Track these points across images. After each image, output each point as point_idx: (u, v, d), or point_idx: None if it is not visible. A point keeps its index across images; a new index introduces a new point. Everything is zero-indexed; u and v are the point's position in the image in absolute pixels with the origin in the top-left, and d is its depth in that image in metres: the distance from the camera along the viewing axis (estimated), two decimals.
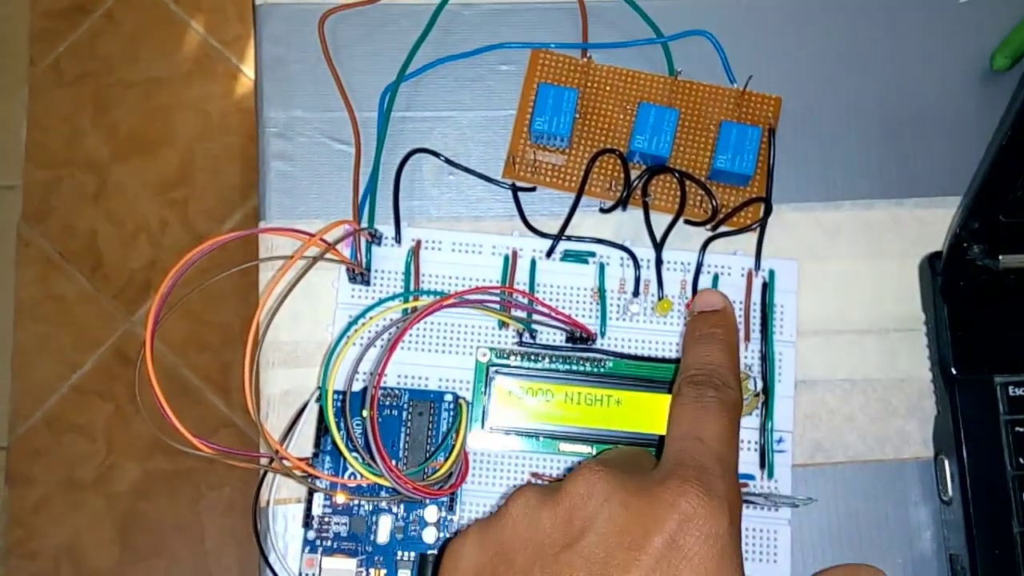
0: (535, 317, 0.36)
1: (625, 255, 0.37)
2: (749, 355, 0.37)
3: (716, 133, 0.38)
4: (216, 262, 0.31)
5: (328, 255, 0.34)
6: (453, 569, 0.27)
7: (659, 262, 0.37)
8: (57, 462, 1.05)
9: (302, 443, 0.35)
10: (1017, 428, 0.35)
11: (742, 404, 0.30)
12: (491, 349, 0.36)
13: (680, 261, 0.37)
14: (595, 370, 0.36)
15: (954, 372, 0.36)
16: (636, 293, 0.37)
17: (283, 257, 0.36)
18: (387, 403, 0.35)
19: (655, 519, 0.25)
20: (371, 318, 0.36)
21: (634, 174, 0.38)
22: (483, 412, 0.36)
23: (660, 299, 0.37)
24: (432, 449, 0.35)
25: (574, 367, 0.36)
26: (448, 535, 0.34)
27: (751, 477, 0.35)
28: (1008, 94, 0.39)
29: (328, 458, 0.35)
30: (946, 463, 0.35)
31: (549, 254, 0.37)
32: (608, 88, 0.39)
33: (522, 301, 0.36)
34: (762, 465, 0.36)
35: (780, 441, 0.36)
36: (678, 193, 0.38)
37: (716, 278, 0.37)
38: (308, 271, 0.33)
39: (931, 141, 0.40)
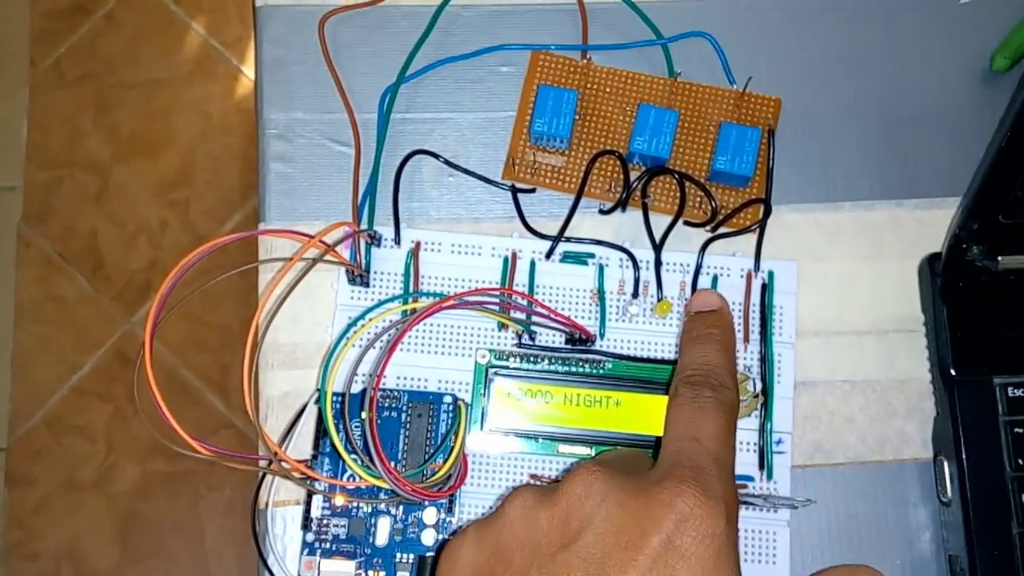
0: (534, 319, 0.36)
1: (624, 256, 0.37)
2: (748, 356, 0.37)
3: (716, 134, 0.38)
4: (216, 263, 0.31)
5: (327, 257, 0.34)
6: (451, 569, 0.27)
7: (658, 263, 0.37)
8: (57, 463, 1.05)
9: (301, 445, 0.35)
10: (1016, 429, 0.35)
11: (739, 404, 0.30)
12: (490, 351, 0.36)
13: (679, 262, 0.37)
14: (594, 371, 0.36)
15: (953, 373, 0.36)
16: (635, 294, 0.37)
17: (283, 259, 0.36)
18: (386, 405, 0.35)
19: (652, 519, 0.25)
20: (370, 320, 0.36)
21: (633, 175, 0.38)
22: (482, 414, 0.36)
23: (659, 300, 0.37)
24: (431, 451, 0.35)
25: (573, 368, 0.36)
26: (447, 537, 0.34)
27: (750, 478, 0.35)
28: (1008, 95, 0.39)
29: (327, 460, 0.35)
30: (945, 464, 0.35)
31: (548, 255, 0.37)
32: (608, 89, 0.39)
33: (521, 303, 0.36)
34: (761, 466, 0.36)
35: (779, 442, 0.36)
36: (677, 194, 0.38)
37: (715, 279, 0.37)
38: (307, 273, 0.33)
39: (931, 142, 0.40)
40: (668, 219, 0.37)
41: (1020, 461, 0.34)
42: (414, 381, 0.36)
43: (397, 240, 0.37)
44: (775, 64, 0.40)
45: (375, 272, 0.37)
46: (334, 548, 0.34)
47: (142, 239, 1.11)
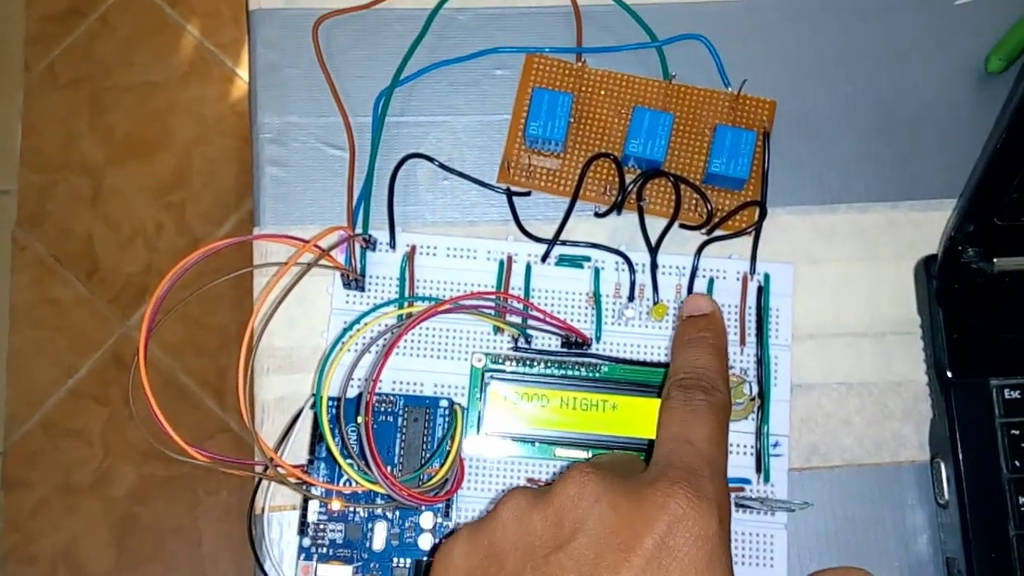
0: (530, 322, 0.36)
1: (620, 259, 0.37)
2: (745, 359, 0.37)
3: (711, 137, 0.38)
4: (212, 267, 0.31)
5: (323, 261, 0.34)
6: (444, 571, 0.27)
7: (654, 266, 0.37)
8: (53, 466, 1.05)
9: (297, 449, 0.35)
10: (1013, 431, 0.35)
11: (731, 407, 0.31)
12: (486, 354, 0.36)
13: (675, 265, 0.37)
14: (590, 375, 0.36)
15: (950, 375, 0.36)
16: (631, 298, 0.37)
17: (278, 263, 0.36)
18: (382, 409, 0.35)
19: (645, 520, 0.25)
20: (366, 324, 0.36)
21: (629, 178, 0.38)
22: (478, 418, 0.36)
23: (655, 303, 0.37)
24: (427, 455, 0.35)
25: (569, 372, 0.36)
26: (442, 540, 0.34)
27: (747, 481, 0.35)
28: (1003, 97, 0.39)
29: (323, 465, 0.34)
30: (942, 466, 0.35)
31: (544, 259, 0.37)
32: (603, 92, 0.39)
33: (517, 306, 0.36)
34: (758, 469, 0.35)
35: (776, 445, 0.36)
36: (673, 197, 0.37)
37: (711, 282, 0.37)
38: (303, 277, 0.33)
39: (926, 144, 0.40)
40: (664, 222, 0.37)
41: (1017, 463, 0.34)
42: (410, 385, 0.36)
43: (392, 244, 0.37)
44: (770, 67, 0.40)
45: (370, 276, 0.37)
46: (331, 553, 0.34)
47: (138, 242, 1.10)
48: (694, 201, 0.38)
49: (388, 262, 0.37)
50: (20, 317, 1.09)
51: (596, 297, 0.37)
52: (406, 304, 0.36)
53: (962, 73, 0.40)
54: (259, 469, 0.34)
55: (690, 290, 0.37)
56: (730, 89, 0.39)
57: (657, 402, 0.35)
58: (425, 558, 0.34)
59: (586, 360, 0.36)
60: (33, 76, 1.15)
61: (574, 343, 0.36)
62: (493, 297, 0.36)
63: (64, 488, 1.04)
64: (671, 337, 0.37)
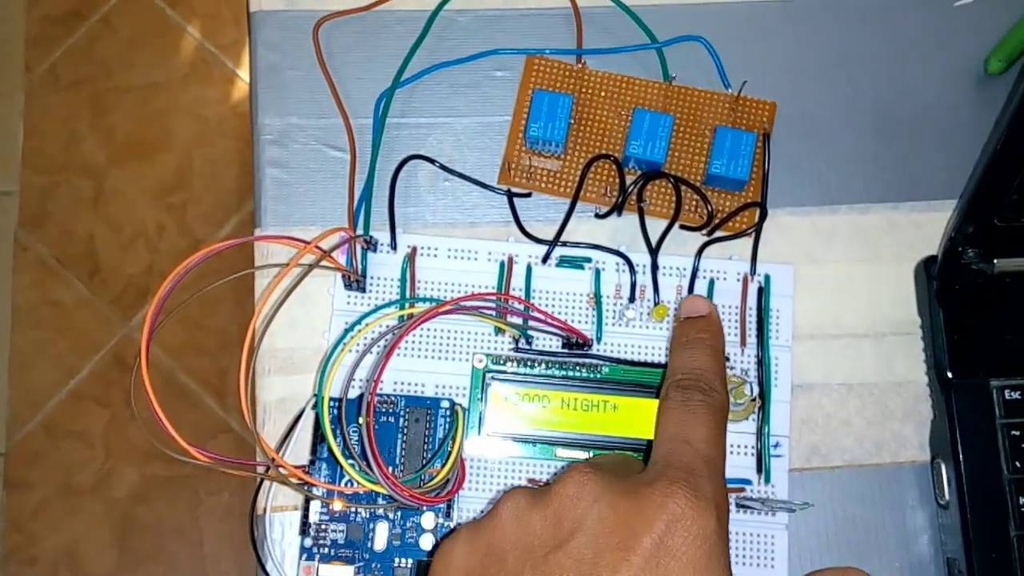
0: (531, 323, 0.36)
1: (621, 260, 0.37)
2: (745, 360, 0.37)
3: (711, 138, 0.38)
4: (213, 268, 0.31)
5: (324, 262, 0.34)
6: (443, 571, 0.27)
7: (655, 267, 0.37)
8: (55, 467, 1.05)
9: (299, 450, 0.35)
10: (1013, 432, 0.35)
11: (728, 407, 0.31)
12: (487, 355, 0.36)
13: (676, 266, 0.37)
14: (591, 376, 0.36)
15: (950, 376, 0.36)
16: (632, 298, 0.37)
17: (279, 265, 0.36)
18: (383, 410, 0.35)
19: (644, 520, 0.25)
20: (367, 325, 0.36)
21: (629, 179, 0.38)
22: (479, 418, 0.36)
23: (656, 304, 0.37)
24: (429, 456, 0.35)
25: (570, 373, 0.36)
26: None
27: (748, 482, 0.35)
28: (1002, 98, 0.39)
29: (324, 465, 0.35)
30: (943, 467, 0.35)
31: (545, 260, 0.37)
32: (603, 94, 0.39)
33: (518, 307, 0.36)
34: (759, 470, 0.36)
35: (777, 446, 0.36)
36: (673, 198, 0.38)
37: (712, 283, 0.37)
38: (304, 278, 0.33)
39: (926, 145, 0.40)
40: (664, 223, 0.37)
41: (1017, 463, 0.34)
42: (411, 386, 0.36)
43: (393, 245, 0.37)
44: (770, 68, 0.40)
45: (371, 277, 0.37)
46: (332, 553, 0.34)
47: (139, 243, 1.10)
48: (694, 202, 0.38)
49: (389, 263, 0.37)
50: (22, 318, 1.09)
51: (597, 298, 0.37)
52: (407, 305, 0.36)
53: (962, 74, 0.41)
54: (261, 469, 0.34)
55: (691, 291, 0.37)
56: (730, 90, 0.39)
57: (657, 403, 0.35)
58: (426, 559, 0.34)
59: (587, 361, 0.36)
60: (34, 77, 1.15)
61: (575, 344, 0.36)
62: (494, 298, 0.37)
63: (65, 489, 1.04)
64: (669, 338, 0.37)
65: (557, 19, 0.41)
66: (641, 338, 0.37)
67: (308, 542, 0.34)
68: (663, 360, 0.36)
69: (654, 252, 0.37)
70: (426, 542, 0.34)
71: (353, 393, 0.35)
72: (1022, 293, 0.36)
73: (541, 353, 0.36)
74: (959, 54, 0.41)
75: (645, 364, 0.36)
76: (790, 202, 0.39)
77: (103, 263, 1.10)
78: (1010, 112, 0.32)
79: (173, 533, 1.03)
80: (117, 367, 1.08)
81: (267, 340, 0.37)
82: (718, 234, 0.38)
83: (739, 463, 0.36)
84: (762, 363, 0.36)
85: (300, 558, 0.34)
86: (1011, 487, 0.34)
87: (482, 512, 0.35)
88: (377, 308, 0.36)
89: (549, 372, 0.36)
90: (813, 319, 0.38)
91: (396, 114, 0.39)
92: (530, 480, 0.35)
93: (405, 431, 0.35)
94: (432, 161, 0.39)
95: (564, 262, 0.37)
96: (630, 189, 0.37)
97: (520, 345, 0.36)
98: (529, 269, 0.37)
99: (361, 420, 0.33)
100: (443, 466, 0.34)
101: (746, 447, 0.36)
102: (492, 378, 0.36)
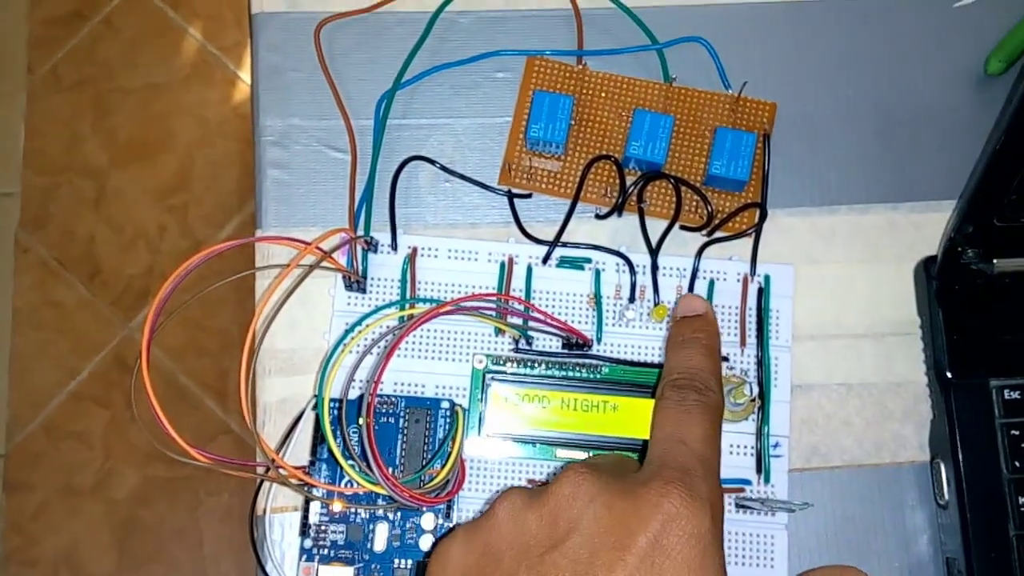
0: (531, 324, 0.36)
1: (621, 261, 0.37)
2: (745, 360, 0.37)
3: (711, 139, 0.38)
4: (214, 269, 0.31)
5: (324, 263, 0.34)
6: (441, 571, 0.27)
7: (655, 268, 0.37)
8: (55, 469, 1.05)
9: (299, 451, 0.35)
10: (1012, 431, 0.35)
11: (724, 407, 0.31)
12: (487, 356, 0.36)
13: (676, 267, 0.37)
14: (591, 376, 0.36)
15: (949, 376, 0.36)
16: (632, 299, 0.37)
17: (280, 265, 0.36)
18: (383, 411, 0.35)
19: (639, 519, 0.25)
20: (367, 326, 0.36)
21: (629, 180, 0.38)
22: (479, 419, 0.36)
23: (656, 305, 0.37)
24: (429, 456, 0.35)
25: (570, 373, 0.36)
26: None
27: (747, 482, 0.35)
28: (1002, 98, 0.40)
29: (324, 466, 0.35)
30: (942, 467, 0.35)
31: (545, 260, 0.37)
32: (603, 95, 0.39)
33: (518, 308, 0.37)
34: (759, 470, 0.36)
35: (776, 446, 0.36)
36: (673, 199, 0.38)
37: (712, 283, 0.37)
38: (304, 279, 0.33)
39: (926, 145, 0.40)
40: (664, 224, 0.37)
41: (1016, 463, 0.34)
42: (411, 387, 0.36)
43: (394, 246, 0.37)
44: (770, 69, 0.40)
45: (372, 278, 0.37)
46: (332, 554, 0.34)
47: (140, 244, 1.11)
48: (695, 203, 0.38)
49: (390, 264, 0.37)
50: (22, 319, 1.09)
51: (597, 298, 0.37)
52: (407, 306, 0.36)
53: (961, 75, 0.41)
54: (261, 470, 0.34)
55: (691, 291, 0.37)
56: (730, 91, 0.39)
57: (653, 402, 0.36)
58: (424, 558, 0.34)
59: (587, 361, 0.36)
60: (36, 79, 1.16)
61: (575, 344, 0.36)
62: (494, 299, 0.37)
63: (66, 490, 1.04)
64: (664, 338, 0.37)
65: (558, 20, 0.41)
66: (641, 339, 0.37)
67: (308, 543, 0.34)
68: (663, 360, 0.37)
69: (654, 253, 0.37)
70: (426, 543, 0.34)
71: (353, 394, 0.35)
72: (1021, 293, 0.37)
73: (541, 354, 0.36)
74: (959, 55, 0.41)
75: (645, 364, 0.36)
76: (790, 202, 0.39)
77: (104, 264, 1.10)
78: (1009, 113, 0.33)
79: (173, 534, 1.03)
80: (118, 368, 1.08)
81: (268, 341, 0.37)
82: (718, 235, 0.38)
83: (739, 463, 0.36)
84: (762, 363, 0.36)
85: (300, 559, 0.34)
86: (1010, 487, 0.34)
87: (479, 512, 0.35)
88: (377, 309, 0.36)
89: (549, 373, 0.36)
90: (813, 319, 0.38)
91: (397, 115, 0.40)
92: (530, 480, 0.35)
93: (405, 432, 0.35)
94: (433, 162, 0.39)
95: (564, 263, 0.37)
96: (630, 190, 0.37)
97: (520, 346, 0.36)
98: (529, 270, 0.37)
99: (361, 421, 0.33)
100: (443, 467, 0.34)
101: (746, 447, 0.36)
102: (492, 379, 0.36)
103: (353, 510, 0.34)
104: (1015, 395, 0.35)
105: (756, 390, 0.36)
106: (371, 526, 0.34)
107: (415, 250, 0.37)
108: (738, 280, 0.37)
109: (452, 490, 0.34)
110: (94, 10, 1.17)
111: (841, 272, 0.38)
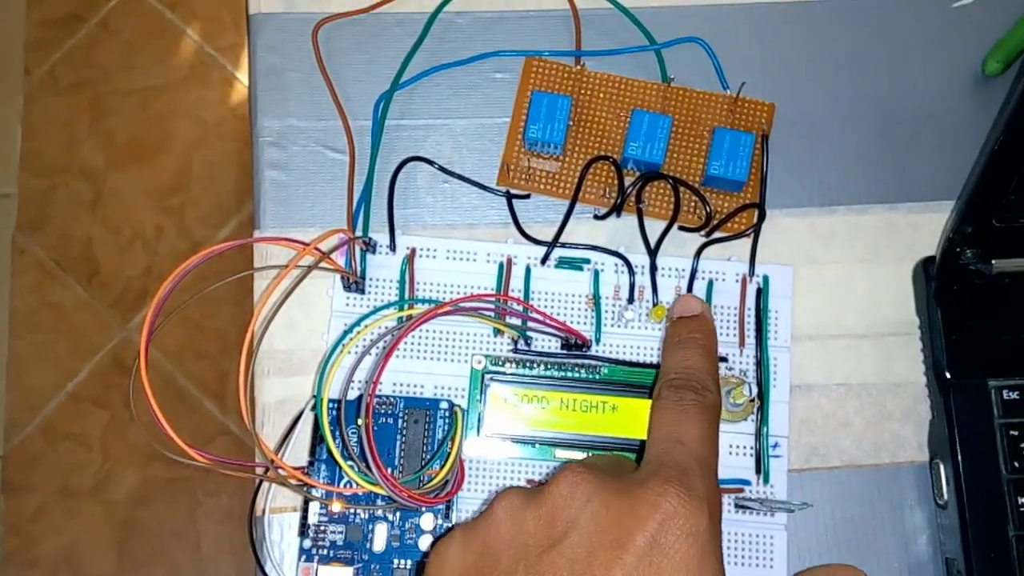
0: (530, 324, 0.36)
1: (620, 262, 0.37)
2: (744, 360, 0.37)
3: (709, 139, 0.39)
4: (213, 270, 0.31)
5: (323, 264, 0.34)
6: (439, 570, 0.27)
7: (653, 268, 0.37)
8: (54, 470, 1.05)
9: (298, 451, 0.35)
10: (1011, 432, 0.35)
11: (721, 407, 0.31)
12: (486, 356, 0.36)
13: (674, 267, 0.37)
14: (590, 376, 0.36)
15: (948, 376, 0.36)
16: (631, 299, 0.37)
17: (278, 266, 0.36)
18: (382, 411, 0.35)
19: (637, 519, 0.25)
20: (366, 326, 0.36)
21: (628, 181, 0.38)
22: (478, 419, 0.36)
23: (655, 305, 0.37)
24: (428, 457, 0.35)
25: (569, 374, 0.36)
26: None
27: (747, 482, 0.35)
28: (1000, 99, 0.40)
29: (324, 467, 0.35)
30: (941, 467, 0.35)
31: (544, 261, 0.37)
32: (602, 95, 0.39)
33: (517, 308, 0.37)
34: (758, 470, 0.36)
35: (776, 446, 0.36)
36: (672, 199, 0.38)
37: (711, 284, 0.37)
38: (303, 280, 0.33)
39: (924, 146, 0.40)
40: (663, 224, 0.37)
41: (1016, 464, 0.35)
42: (410, 387, 0.36)
43: (392, 247, 0.37)
44: (768, 69, 0.40)
45: (370, 279, 0.37)
46: (331, 555, 0.34)
47: (138, 245, 1.10)
48: (693, 203, 0.38)
49: (388, 265, 0.37)
50: (20, 321, 1.09)
51: (595, 299, 0.37)
52: (406, 306, 0.36)
53: (960, 75, 0.41)
54: (260, 471, 0.34)
55: (690, 292, 0.37)
56: (729, 92, 0.39)
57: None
58: (422, 558, 0.34)
59: (586, 362, 0.36)
60: (33, 80, 1.16)
61: (574, 345, 0.36)
62: (493, 299, 0.37)
63: (64, 492, 1.04)
64: (661, 338, 0.37)
65: (556, 21, 0.41)
66: (640, 339, 0.37)
67: (307, 543, 0.34)
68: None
69: (653, 253, 0.37)
70: (425, 543, 0.34)
71: (352, 394, 0.35)
72: (1020, 293, 0.37)
73: (540, 354, 0.36)
74: (957, 55, 0.41)
75: (644, 365, 0.36)
76: (789, 203, 0.39)
77: (102, 266, 1.10)
78: (1008, 113, 0.33)
79: (172, 535, 1.03)
80: (116, 369, 1.08)
81: (266, 342, 0.37)
82: (717, 235, 0.38)
83: (738, 464, 0.36)
84: (761, 364, 0.36)
85: (299, 559, 0.34)
86: (1009, 487, 0.34)
87: (477, 512, 0.35)
88: (376, 309, 0.36)
89: (548, 373, 0.36)
90: (812, 320, 0.38)
91: (395, 116, 0.40)
92: (529, 481, 0.35)
93: (404, 432, 0.35)
94: (431, 163, 0.39)
95: (563, 263, 0.37)
96: (629, 190, 0.37)
97: (519, 346, 0.36)
98: (528, 270, 0.37)
99: (360, 421, 0.33)
100: (442, 467, 0.34)
101: (745, 448, 0.36)
102: (491, 379, 0.36)
103: (352, 510, 0.34)
104: (1014, 395, 0.35)
105: (755, 390, 0.36)
106: (370, 526, 0.34)
107: (414, 251, 0.37)
108: (737, 281, 0.37)
109: (451, 490, 0.34)
110: (91, 12, 1.17)
111: (840, 272, 0.38)
